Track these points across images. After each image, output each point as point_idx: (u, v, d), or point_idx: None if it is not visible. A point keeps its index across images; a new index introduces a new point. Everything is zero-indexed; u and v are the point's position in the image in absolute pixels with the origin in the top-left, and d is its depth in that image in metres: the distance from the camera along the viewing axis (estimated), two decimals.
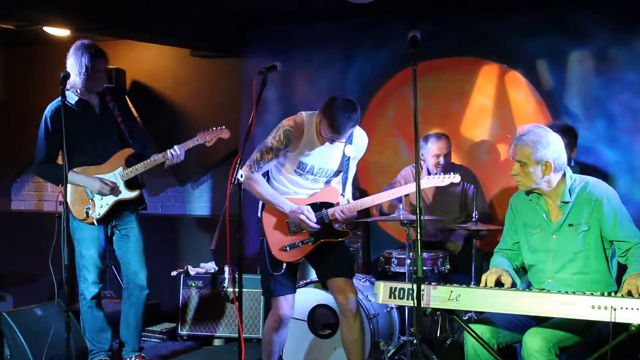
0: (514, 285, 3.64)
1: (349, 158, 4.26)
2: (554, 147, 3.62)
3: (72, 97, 4.83)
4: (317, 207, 4.22)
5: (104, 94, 4.96)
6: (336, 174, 4.29)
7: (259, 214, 4.29)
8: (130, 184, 4.91)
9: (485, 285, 3.60)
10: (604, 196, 3.63)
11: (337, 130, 3.98)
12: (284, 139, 4.07)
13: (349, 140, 4.21)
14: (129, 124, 5.02)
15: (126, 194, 4.89)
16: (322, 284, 4.42)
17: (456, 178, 4.42)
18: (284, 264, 4.20)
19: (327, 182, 4.31)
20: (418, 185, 3.29)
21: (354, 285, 4.30)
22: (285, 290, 4.24)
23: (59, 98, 4.78)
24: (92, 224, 4.84)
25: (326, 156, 4.20)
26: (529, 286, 3.84)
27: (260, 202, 4.29)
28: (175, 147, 4.85)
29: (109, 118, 4.94)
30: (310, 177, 4.23)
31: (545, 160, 3.60)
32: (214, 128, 4.91)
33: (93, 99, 4.91)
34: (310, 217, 4.16)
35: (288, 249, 4.19)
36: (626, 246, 3.58)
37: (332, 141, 4.10)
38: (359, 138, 4.28)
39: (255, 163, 4.12)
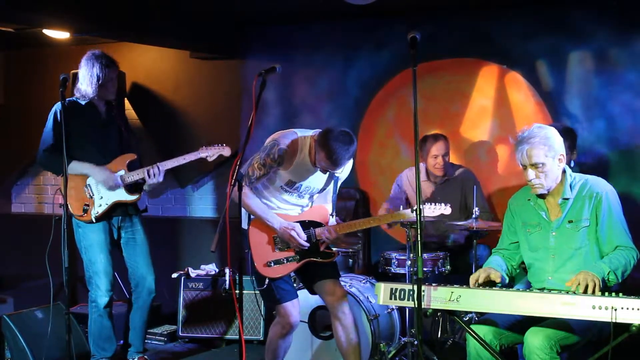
0: (503, 280, 3.68)
1: (337, 178, 4.27)
2: (560, 140, 3.66)
3: (82, 100, 4.89)
4: (305, 225, 4.21)
5: (111, 104, 5.00)
6: (320, 191, 4.29)
7: (245, 226, 4.24)
8: (130, 187, 4.92)
9: (477, 283, 3.63)
10: (603, 193, 3.65)
11: (335, 163, 3.96)
12: (278, 158, 4.03)
13: None
14: (130, 134, 5.09)
15: (126, 197, 4.90)
16: (309, 289, 4.39)
17: (447, 210, 4.41)
18: (267, 280, 4.17)
19: (310, 199, 4.31)
20: (418, 186, 3.29)
21: (342, 286, 4.30)
22: (290, 295, 4.22)
23: (69, 98, 4.89)
24: (90, 221, 4.84)
25: (316, 177, 4.19)
26: (528, 287, 3.84)
27: (245, 214, 4.21)
28: (158, 164, 4.86)
29: (113, 124, 4.98)
30: (295, 193, 4.21)
31: (560, 153, 3.63)
32: (217, 145, 4.91)
33: (101, 106, 4.95)
34: (300, 235, 4.14)
35: (272, 264, 4.17)
36: (609, 248, 3.59)
37: (325, 171, 4.09)
38: None
39: (247, 177, 4.07)
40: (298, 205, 4.30)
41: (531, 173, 3.64)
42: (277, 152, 4.02)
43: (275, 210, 4.22)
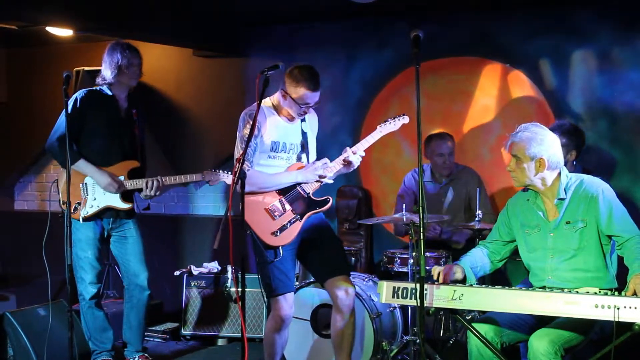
0: (463, 280, 3.71)
1: (306, 133, 4.37)
2: (549, 145, 3.67)
3: (107, 92, 4.91)
4: (290, 185, 4.26)
5: (133, 104, 5.00)
6: (301, 149, 4.36)
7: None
8: (125, 194, 4.91)
9: (438, 277, 3.64)
10: (599, 192, 3.66)
11: (317, 84, 4.13)
12: (251, 120, 4.04)
13: (302, 118, 4.34)
14: (142, 140, 5.09)
15: (119, 204, 4.89)
16: (321, 284, 4.42)
17: (405, 119, 4.43)
18: (280, 248, 4.20)
19: (299, 159, 4.37)
20: (421, 186, 3.29)
21: (351, 282, 4.32)
22: (286, 287, 4.23)
23: (92, 88, 4.94)
24: (77, 220, 4.83)
25: (290, 132, 4.29)
26: (529, 286, 3.85)
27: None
28: (159, 178, 4.85)
29: (129, 126, 4.98)
30: (284, 155, 4.28)
31: (539, 157, 3.65)
32: (220, 171, 4.88)
33: (122, 102, 4.96)
34: (325, 163, 4.25)
35: (279, 233, 4.19)
36: (622, 240, 3.61)
37: (303, 114, 4.23)
38: (309, 115, 4.38)
39: (245, 161, 4.06)
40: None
41: (511, 163, 3.74)
42: (248, 117, 4.13)
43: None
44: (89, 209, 4.85)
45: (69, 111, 4.73)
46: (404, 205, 4.93)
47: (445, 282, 3.61)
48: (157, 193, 4.86)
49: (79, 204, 4.84)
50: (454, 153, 5.56)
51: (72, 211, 4.81)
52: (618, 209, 3.64)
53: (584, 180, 3.74)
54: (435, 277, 3.64)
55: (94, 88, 4.94)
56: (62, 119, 4.82)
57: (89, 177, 4.84)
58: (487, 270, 3.91)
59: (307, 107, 4.21)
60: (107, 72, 4.86)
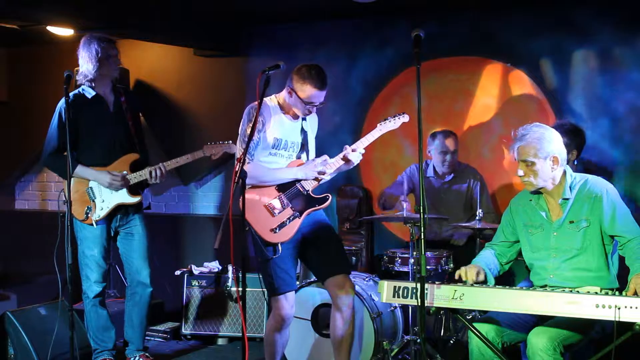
0: (485, 282, 3.70)
1: (306, 132, 4.40)
2: (556, 142, 3.69)
3: (89, 92, 4.87)
4: (289, 182, 4.27)
5: (119, 93, 4.97)
6: (300, 147, 4.38)
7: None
8: (132, 188, 4.92)
9: (462, 278, 3.64)
10: (603, 192, 3.67)
11: (324, 84, 4.15)
12: (255, 114, 4.04)
13: (304, 117, 4.35)
14: (138, 129, 5.05)
15: (128, 199, 4.89)
16: (321, 282, 4.43)
17: (405, 117, 4.45)
18: (279, 245, 4.20)
19: (298, 157, 4.39)
20: (422, 185, 3.29)
21: (352, 281, 4.33)
22: (288, 286, 4.23)
23: (75, 91, 4.87)
24: (91, 225, 4.84)
25: (292, 131, 4.31)
26: (530, 285, 3.85)
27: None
28: (161, 165, 4.87)
29: (121, 119, 4.95)
30: (285, 153, 4.29)
31: (553, 155, 3.65)
32: (221, 142, 4.89)
33: (109, 96, 4.92)
34: (324, 161, 4.27)
35: (278, 230, 4.19)
36: (624, 240, 3.62)
37: (307, 113, 4.25)
38: (310, 115, 4.39)
39: (247, 155, 4.06)
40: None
41: (522, 168, 3.70)
42: (253, 112, 4.11)
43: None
44: (100, 211, 4.85)
45: (56, 123, 4.78)
46: (401, 191, 4.92)
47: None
48: (163, 180, 4.89)
49: (90, 209, 4.84)
50: (457, 151, 5.56)
51: (84, 217, 4.82)
52: (621, 210, 3.65)
53: (588, 180, 3.74)
54: (465, 279, 3.63)
55: (77, 91, 4.87)
56: (50, 131, 4.83)
57: (92, 181, 4.85)
58: (497, 272, 3.91)
59: (312, 106, 4.21)
60: (88, 66, 4.79)
